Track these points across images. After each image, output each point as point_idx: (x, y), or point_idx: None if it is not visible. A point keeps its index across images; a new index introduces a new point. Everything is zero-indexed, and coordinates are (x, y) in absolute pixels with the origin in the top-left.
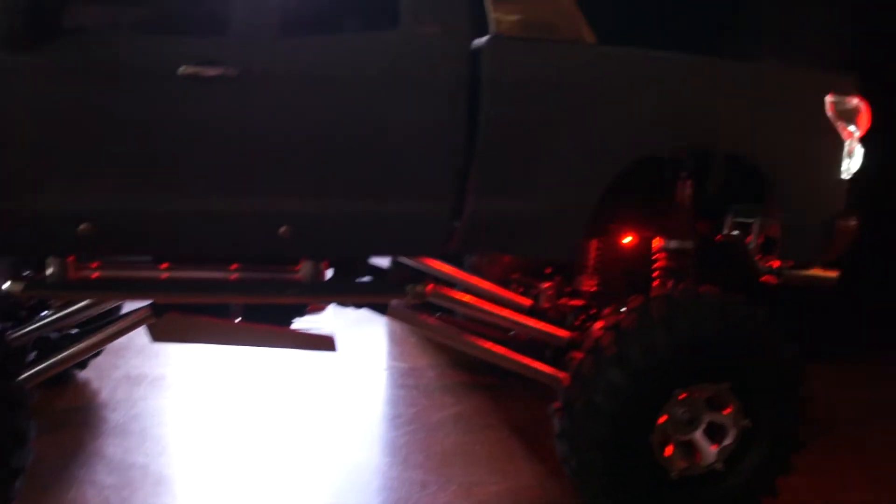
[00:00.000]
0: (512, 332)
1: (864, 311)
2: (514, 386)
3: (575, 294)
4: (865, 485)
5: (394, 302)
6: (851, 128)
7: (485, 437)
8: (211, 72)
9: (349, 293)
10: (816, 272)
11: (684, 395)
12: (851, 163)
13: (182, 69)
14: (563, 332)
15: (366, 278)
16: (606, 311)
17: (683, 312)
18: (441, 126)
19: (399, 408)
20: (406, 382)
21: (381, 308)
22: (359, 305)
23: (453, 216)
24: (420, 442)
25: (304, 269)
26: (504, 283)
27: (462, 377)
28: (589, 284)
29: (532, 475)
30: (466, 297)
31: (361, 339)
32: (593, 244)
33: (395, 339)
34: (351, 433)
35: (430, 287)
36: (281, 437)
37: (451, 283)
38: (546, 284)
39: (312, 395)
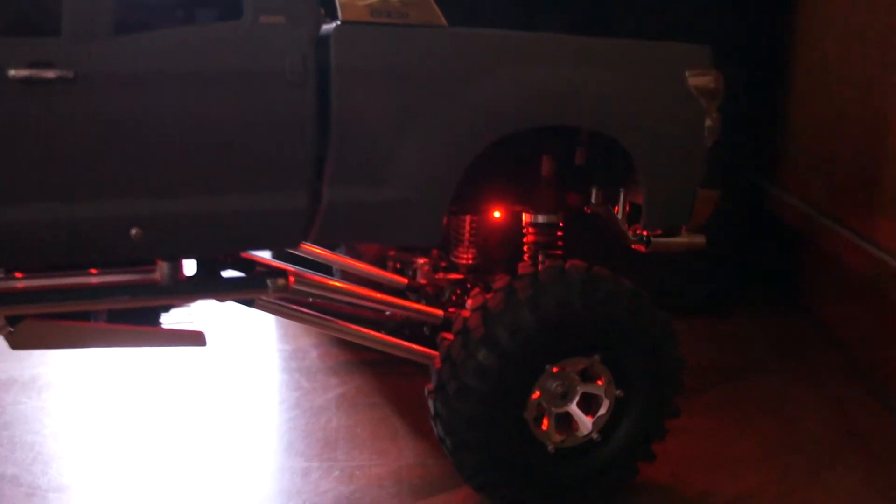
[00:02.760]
0: (388, 312)
1: (742, 267)
2: (398, 360)
3: (452, 268)
4: (744, 441)
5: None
6: (709, 99)
7: (368, 417)
8: (46, 74)
9: (208, 292)
10: (683, 239)
11: (557, 369)
12: (711, 133)
13: (13, 72)
14: (437, 311)
15: (231, 272)
16: (475, 291)
17: (548, 291)
18: (291, 117)
19: (282, 393)
20: (289, 365)
21: (248, 301)
22: (223, 300)
23: (310, 207)
24: (302, 428)
25: (160, 270)
26: (381, 260)
27: (346, 355)
28: (465, 258)
29: (414, 454)
30: (335, 283)
31: (250, 318)
32: (467, 218)
33: (279, 318)
34: (232, 424)
35: (291, 279)
36: (162, 435)
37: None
38: (422, 260)
39: (195, 387)
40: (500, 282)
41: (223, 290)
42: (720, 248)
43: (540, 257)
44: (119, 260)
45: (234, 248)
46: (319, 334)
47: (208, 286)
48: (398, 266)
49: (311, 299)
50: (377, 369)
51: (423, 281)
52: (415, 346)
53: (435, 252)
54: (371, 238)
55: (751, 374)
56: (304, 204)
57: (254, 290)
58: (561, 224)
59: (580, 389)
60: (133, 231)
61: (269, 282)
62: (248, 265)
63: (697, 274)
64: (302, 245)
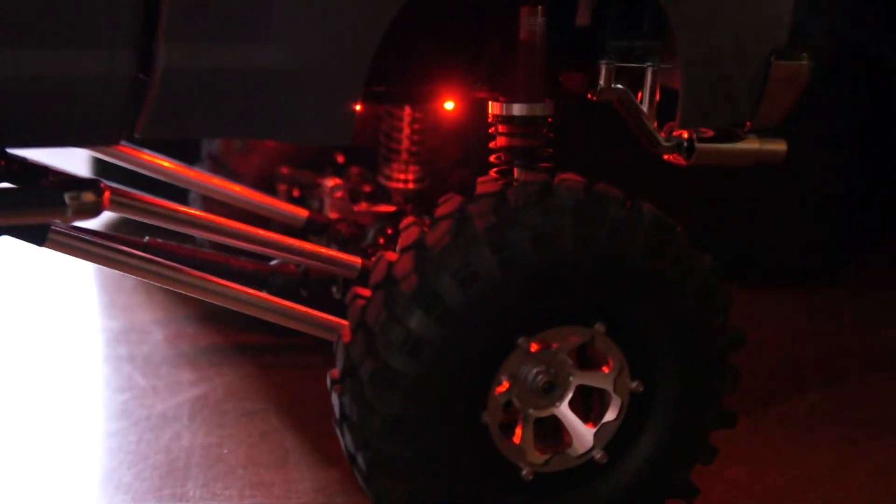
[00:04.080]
0: (275, 261)
1: (862, 205)
2: (293, 346)
3: (380, 196)
4: (850, 477)
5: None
6: None
7: (240, 432)
8: None
9: None
10: (747, 145)
11: (537, 346)
12: None
13: None
14: (354, 259)
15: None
16: (406, 220)
17: (522, 219)
18: None
19: (104, 394)
20: (116, 352)
21: (36, 234)
22: None
23: (137, 78)
24: (132, 448)
25: None
26: (268, 182)
27: (210, 337)
28: (402, 179)
29: (313, 485)
30: (183, 210)
31: (55, 272)
32: (405, 115)
33: (103, 280)
34: (21, 442)
35: (106, 195)
36: None
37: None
38: (332, 182)
39: None
40: (446, 205)
41: None
42: (823, 169)
43: (515, 171)
44: None
45: (12, 140)
46: (167, 306)
47: None
48: (295, 192)
49: (146, 238)
50: (259, 360)
51: (333, 215)
52: (314, 313)
53: (355, 170)
54: (236, 131)
55: (870, 374)
56: (127, 70)
57: (42, 210)
58: (549, 119)
59: (574, 380)
60: None
61: (67, 197)
62: (35, 173)
63: (785, 215)
64: (123, 148)
